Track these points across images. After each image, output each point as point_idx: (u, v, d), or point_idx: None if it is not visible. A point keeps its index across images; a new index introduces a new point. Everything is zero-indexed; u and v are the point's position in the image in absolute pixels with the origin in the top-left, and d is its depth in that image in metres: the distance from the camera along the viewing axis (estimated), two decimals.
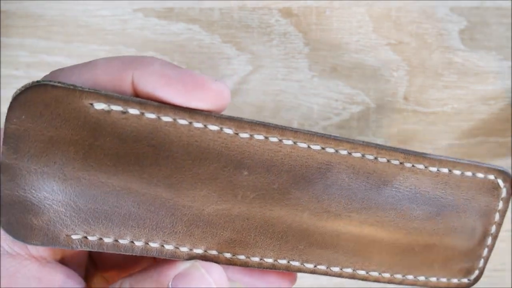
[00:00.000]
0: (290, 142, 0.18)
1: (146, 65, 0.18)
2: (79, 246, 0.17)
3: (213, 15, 0.32)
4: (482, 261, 0.22)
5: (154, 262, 0.24)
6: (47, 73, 0.28)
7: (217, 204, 0.18)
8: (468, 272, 0.22)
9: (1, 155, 0.16)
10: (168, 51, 0.32)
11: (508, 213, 0.34)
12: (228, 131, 0.18)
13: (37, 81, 0.16)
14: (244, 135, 0.18)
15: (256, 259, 0.19)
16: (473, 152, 0.33)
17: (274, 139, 0.18)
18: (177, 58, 0.32)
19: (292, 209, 0.19)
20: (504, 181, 0.21)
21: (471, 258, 0.22)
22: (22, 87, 0.16)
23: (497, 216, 0.22)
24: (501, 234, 0.34)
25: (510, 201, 0.22)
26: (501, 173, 0.21)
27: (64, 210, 0.17)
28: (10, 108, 0.16)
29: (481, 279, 0.34)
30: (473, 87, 0.33)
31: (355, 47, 0.33)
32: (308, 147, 0.19)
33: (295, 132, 0.18)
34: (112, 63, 0.18)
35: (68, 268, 0.19)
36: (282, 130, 0.18)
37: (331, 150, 0.19)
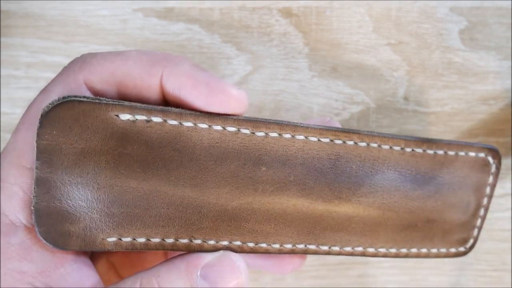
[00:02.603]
0: (302, 137, 0.20)
1: (177, 64, 0.19)
2: (114, 248, 0.18)
3: (213, 15, 0.32)
4: (476, 230, 0.25)
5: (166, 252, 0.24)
6: (47, 73, 0.29)
7: (239, 199, 0.19)
8: (464, 241, 0.24)
9: (35, 170, 0.17)
10: (168, 51, 0.32)
11: (507, 213, 0.34)
12: (245, 131, 0.19)
13: (64, 98, 0.17)
14: (260, 133, 0.19)
15: (276, 246, 0.21)
16: None
17: (287, 135, 0.20)
18: None
19: (307, 198, 0.20)
20: (493, 157, 0.24)
21: (466, 229, 0.24)
22: (50, 104, 0.17)
23: (488, 190, 0.24)
24: (501, 234, 0.34)
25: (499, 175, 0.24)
26: (490, 150, 0.23)
27: (99, 216, 0.18)
28: (41, 125, 0.17)
29: (481, 279, 0.34)
30: (473, 87, 0.33)
31: (355, 47, 0.33)
32: (318, 140, 0.20)
33: (306, 128, 0.20)
34: (144, 57, 0.19)
35: None
36: (294, 126, 0.20)
37: (339, 142, 0.21)
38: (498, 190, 0.33)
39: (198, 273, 0.18)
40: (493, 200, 0.33)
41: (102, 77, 0.18)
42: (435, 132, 0.33)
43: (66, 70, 0.19)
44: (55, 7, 0.31)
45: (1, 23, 0.31)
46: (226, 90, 0.18)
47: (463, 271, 0.34)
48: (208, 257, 0.19)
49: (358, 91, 0.33)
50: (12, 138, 0.19)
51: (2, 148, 0.32)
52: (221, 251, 0.19)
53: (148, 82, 0.18)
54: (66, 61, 0.32)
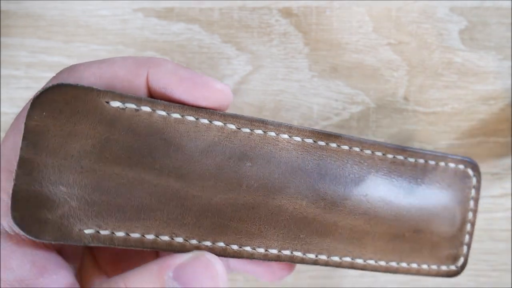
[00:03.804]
0: (286, 136, 0.20)
1: (160, 64, 0.19)
2: (90, 242, 0.18)
3: (213, 15, 0.32)
4: (465, 248, 0.24)
5: (156, 256, 0.24)
6: (47, 73, 0.28)
7: (224, 193, 0.19)
8: (455, 259, 0.24)
9: (20, 150, 0.17)
10: (168, 51, 0.32)
11: (507, 213, 0.34)
12: (231, 126, 0.20)
13: (58, 83, 0.17)
14: (245, 130, 0.20)
15: (261, 250, 0.20)
16: (473, 152, 0.33)
17: (272, 133, 0.20)
18: (177, 58, 0.32)
19: (292, 197, 0.20)
20: (473, 170, 0.24)
21: (455, 244, 0.24)
22: (44, 87, 0.17)
23: (472, 203, 0.24)
24: (501, 234, 0.34)
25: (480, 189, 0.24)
26: (469, 163, 0.24)
27: (78, 204, 0.18)
28: (32, 106, 0.17)
29: (481, 279, 0.34)
30: (473, 87, 0.33)
31: (355, 47, 0.33)
32: (302, 140, 0.21)
33: (289, 127, 0.20)
34: (129, 60, 0.19)
35: (59, 256, 0.19)
36: (278, 125, 0.20)
37: (322, 143, 0.21)
38: (498, 190, 0.33)
39: (170, 274, 0.17)
40: (493, 200, 0.33)
41: (90, 82, 0.19)
42: (435, 132, 0.33)
43: (55, 78, 0.19)
44: (55, 7, 0.31)
45: (1, 23, 0.31)
46: (210, 84, 0.19)
47: (463, 271, 0.34)
48: (182, 258, 0.18)
49: (358, 91, 0.33)
50: (1, 143, 0.19)
51: None
52: (196, 251, 0.19)
53: (134, 83, 0.19)
54: (66, 61, 0.32)
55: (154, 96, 0.19)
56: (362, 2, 0.32)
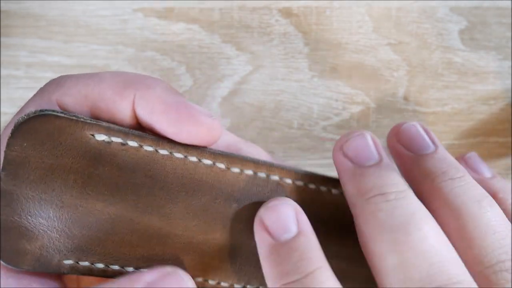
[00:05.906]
0: (276, 178, 0.20)
1: (148, 87, 0.18)
2: (70, 271, 0.17)
3: (213, 15, 0.32)
4: None
5: None
6: (47, 73, 0.29)
7: (207, 234, 0.19)
8: None
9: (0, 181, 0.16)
10: (168, 51, 0.32)
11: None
12: (220, 165, 0.19)
13: (41, 111, 0.17)
14: (235, 170, 0.19)
15: (239, 286, 0.20)
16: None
17: (262, 175, 0.19)
18: (177, 58, 0.32)
19: None
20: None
21: None
22: (25, 115, 0.17)
23: None
24: None
25: None
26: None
27: (58, 236, 0.17)
28: (13, 135, 0.16)
29: None
30: (473, 87, 0.33)
31: (355, 47, 0.33)
32: (293, 183, 0.20)
33: (281, 169, 0.20)
34: (118, 79, 0.18)
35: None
36: (270, 166, 0.20)
37: (312, 187, 0.20)
38: None
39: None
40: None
41: (75, 99, 0.18)
42: (435, 132, 0.33)
43: (41, 91, 0.19)
44: (56, 7, 0.31)
45: (1, 23, 0.31)
46: (196, 117, 0.18)
47: None
48: (155, 274, 0.17)
49: (358, 91, 0.33)
50: None
51: None
52: (168, 267, 0.18)
53: (120, 105, 0.18)
54: (66, 61, 0.32)
55: (140, 122, 0.19)
56: (362, 2, 0.32)
